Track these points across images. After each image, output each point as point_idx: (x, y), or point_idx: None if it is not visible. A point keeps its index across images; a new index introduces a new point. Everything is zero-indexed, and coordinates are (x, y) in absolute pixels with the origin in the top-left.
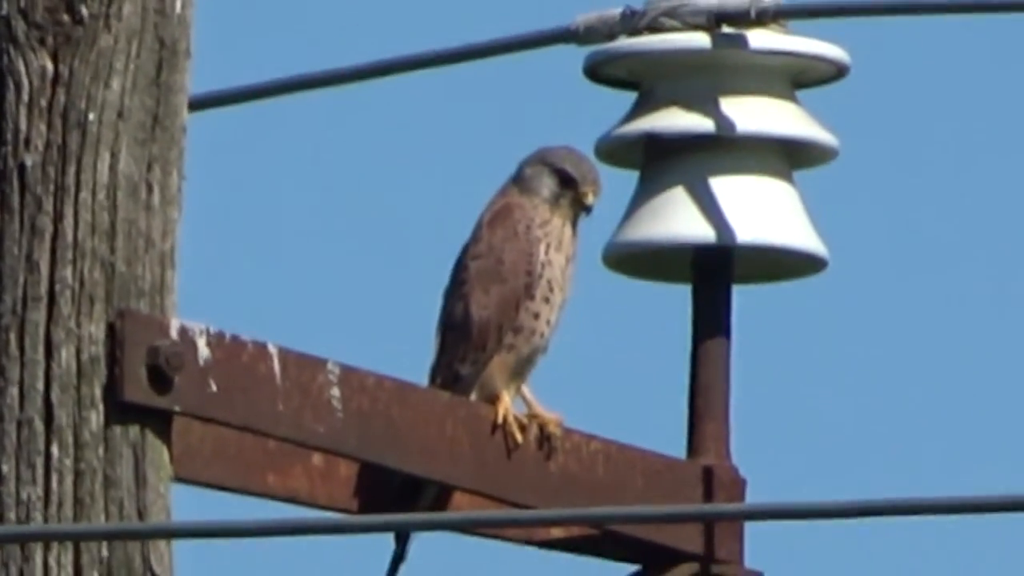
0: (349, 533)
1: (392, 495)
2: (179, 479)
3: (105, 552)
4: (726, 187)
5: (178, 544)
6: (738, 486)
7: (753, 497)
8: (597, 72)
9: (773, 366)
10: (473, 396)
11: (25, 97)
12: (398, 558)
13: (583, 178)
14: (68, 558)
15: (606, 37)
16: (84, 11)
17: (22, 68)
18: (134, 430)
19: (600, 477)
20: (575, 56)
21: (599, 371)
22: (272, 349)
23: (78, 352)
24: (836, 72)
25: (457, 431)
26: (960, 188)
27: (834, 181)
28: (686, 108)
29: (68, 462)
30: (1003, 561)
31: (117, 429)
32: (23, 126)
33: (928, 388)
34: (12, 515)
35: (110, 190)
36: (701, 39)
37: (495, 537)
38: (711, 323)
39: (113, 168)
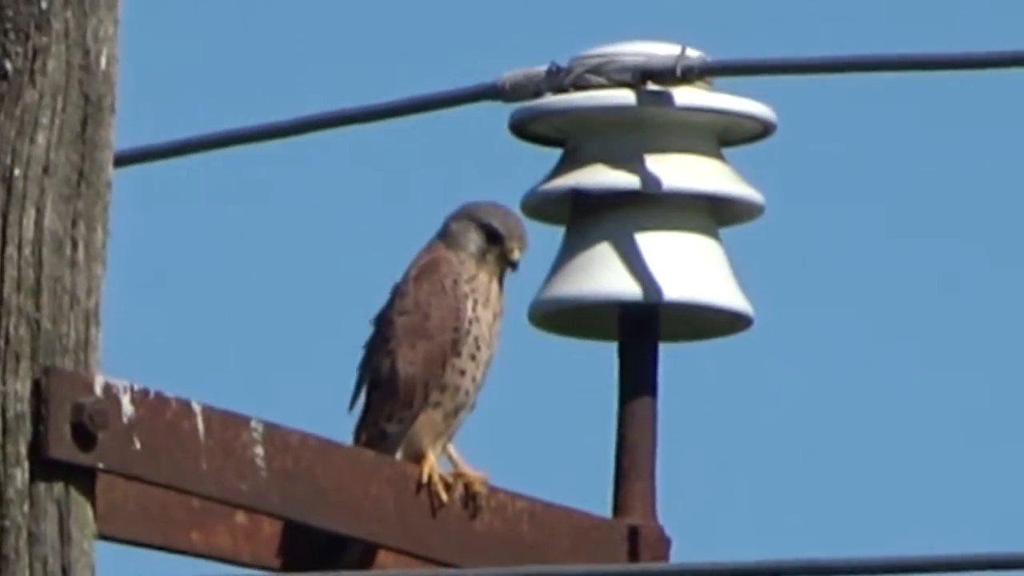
0: None
1: (316, 553)
2: (103, 536)
3: None
4: (652, 244)
5: None
6: (663, 545)
7: (678, 556)
8: (523, 128)
9: (699, 424)
10: (399, 454)
11: None
12: None
13: (509, 233)
14: None
15: (532, 94)
16: (8, 66)
17: None
18: (59, 487)
19: (525, 536)
20: (501, 113)
21: (525, 429)
22: (196, 407)
23: (3, 410)
24: (762, 129)
25: (382, 490)
26: (886, 246)
27: (760, 238)
28: (612, 165)
29: None
30: None
31: (42, 486)
32: None
33: (853, 447)
34: None
35: (35, 246)
36: (627, 96)
37: None
38: (637, 381)
39: (39, 224)
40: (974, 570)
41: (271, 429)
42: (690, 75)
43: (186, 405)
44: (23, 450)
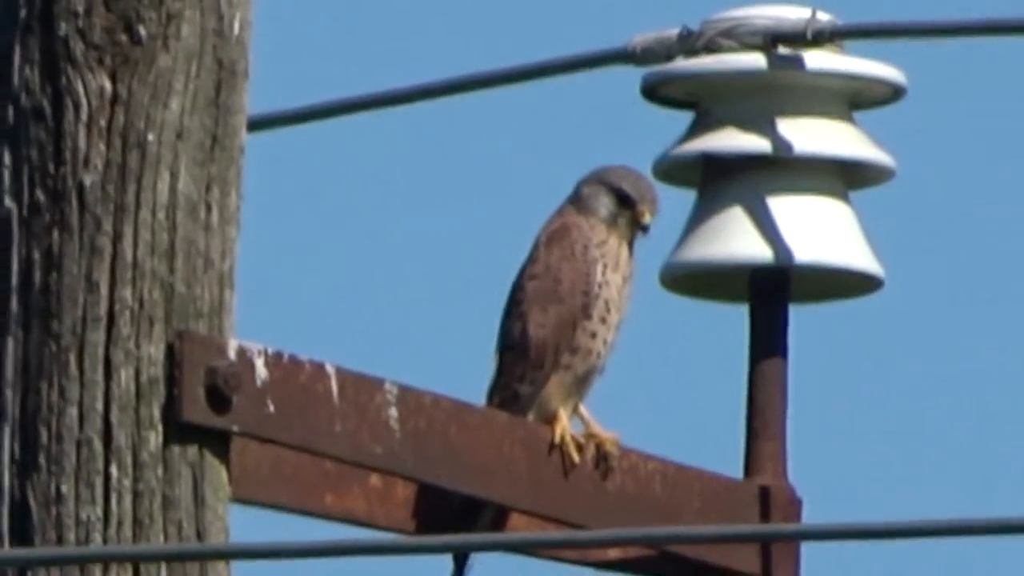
0: (407, 554)
1: (450, 516)
2: (237, 500)
3: (164, 573)
4: (783, 207)
5: (237, 565)
6: (795, 506)
7: (809, 517)
8: (654, 92)
9: (830, 386)
10: (530, 416)
11: (84, 117)
12: None
13: (641, 198)
14: None
15: (663, 57)
16: (143, 31)
17: (81, 88)
18: (193, 451)
19: (657, 497)
20: (632, 76)
21: (656, 391)
22: (330, 369)
23: (137, 373)
24: (893, 93)
25: (514, 451)
26: (1017, 210)
27: (890, 201)
28: (743, 129)
29: (127, 483)
30: None
31: (176, 449)
32: (82, 145)
33: (984, 407)
34: (71, 536)
35: (169, 210)
36: (757, 60)
37: (552, 558)
38: (768, 343)
39: (172, 188)
40: None
41: (405, 391)
42: (820, 38)
43: (320, 368)
44: (157, 414)
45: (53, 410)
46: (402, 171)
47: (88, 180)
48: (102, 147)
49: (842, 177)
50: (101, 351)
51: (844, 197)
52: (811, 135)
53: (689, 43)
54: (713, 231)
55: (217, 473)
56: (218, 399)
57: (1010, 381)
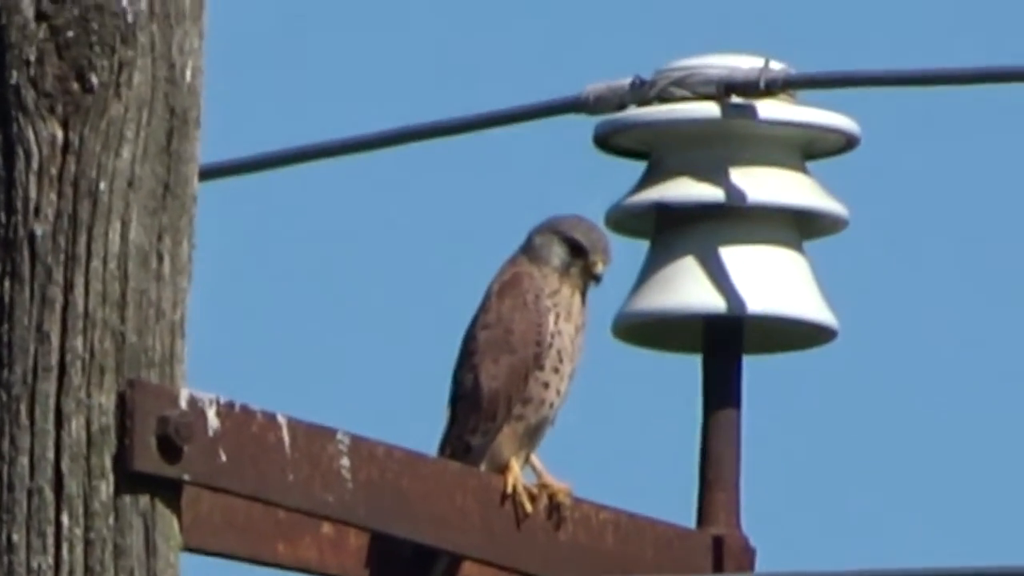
0: None
1: (403, 565)
2: (189, 549)
3: None
4: (736, 257)
5: None
6: (748, 555)
7: (763, 566)
8: (607, 142)
9: (783, 436)
10: (483, 466)
11: (35, 165)
12: None
13: (593, 247)
14: None
15: (616, 107)
16: (94, 79)
17: (32, 136)
18: (144, 500)
19: (610, 547)
20: (585, 126)
21: (609, 441)
22: (281, 419)
23: (88, 422)
24: (846, 143)
25: (467, 501)
26: (970, 259)
27: (844, 251)
28: (696, 178)
29: (78, 531)
30: None
31: (127, 499)
32: (33, 194)
33: (939, 458)
34: None
35: (121, 260)
36: (711, 109)
37: None
38: (721, 393)
39: (124, 237)
40: None
41: (357, 441)
42: (774, 88)
43: (272, 418)
44: (108, 463)
45: (4, 459)
46: (357, 220)
47: (39, 230)
48: (53, 196)
49: (795, 226)
50: (52, 400)
51: (797, 247)
52: (764, 184)
53: (642, 92)
54: (666, 281)
55: (168, 522)
56: (169, 448)
57: (965, 431)
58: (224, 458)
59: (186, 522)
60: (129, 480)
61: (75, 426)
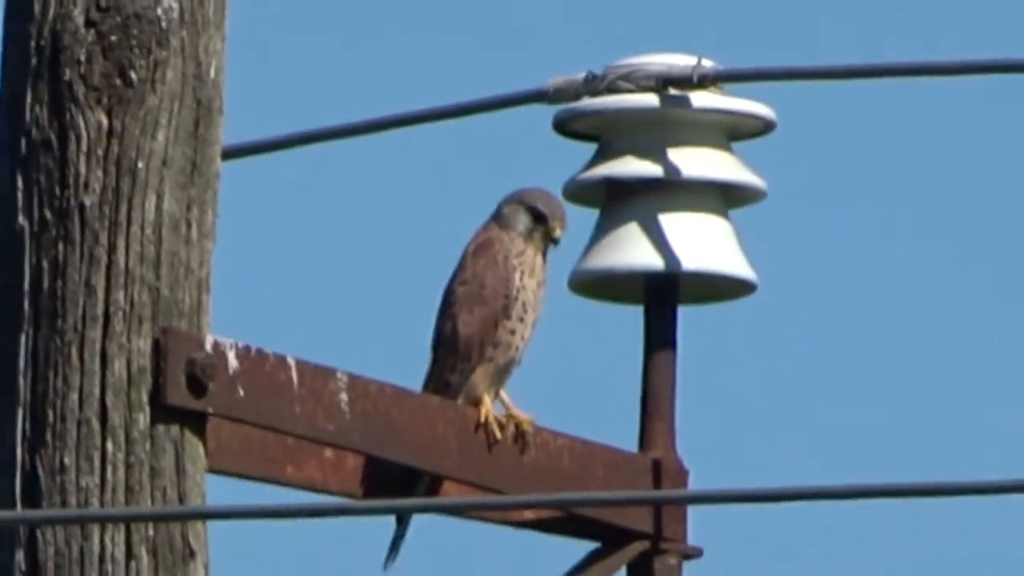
0: (357, 515)
1: (392, 483)
2: (212, 471)
3: (152, 532)
4: (672, 223)
5: (212, 524)
6: (682, 475)
7: (695, 484)
8: (564, 127)
9: (712, 375)
10: (460, 400)
11: (84, 148)
12: (399, 537)
13: (552, 215)
14: (120, 537)
15: (572, 97)
16: (134, 76)
17: (82, 123)
18: (175, 429)
19: (566, 468)
20: (545, 114)
21: (565, 378)
22: (291, 360)
23: (128, 363)
24: (764, 127)
25: (446, 429)
26: (871, 225)
27: (763, 218)
28: (639, 157)
29: (120, 456)
30: (895, 540)
31: (161, 428)
32: (83, 172)
33: (839, 389)
34: (73, 500)
35: (156, 226)
36: (651, 99)
37: (478, 519)
38: (660, 338)
39: (159, 207)
40: (949, 495)
41: (354, 379)
42: (705, 81)
43: (282, 359)
44: (145, 398)
45: (58, 395)
46: (356, 194)
47: (88, 201)
48: (99, 173)
49: (722, 197)
50: (98, 345)
51: (724, 214)
52: (696, 162)
53: (594, 85)
54: (613, 243)
55: (196, 448)
56: (196, 386)
57: (860, 368)
58: (242, 393)
59: (210, 448)
60: (163, 412)
61: (117, 367)
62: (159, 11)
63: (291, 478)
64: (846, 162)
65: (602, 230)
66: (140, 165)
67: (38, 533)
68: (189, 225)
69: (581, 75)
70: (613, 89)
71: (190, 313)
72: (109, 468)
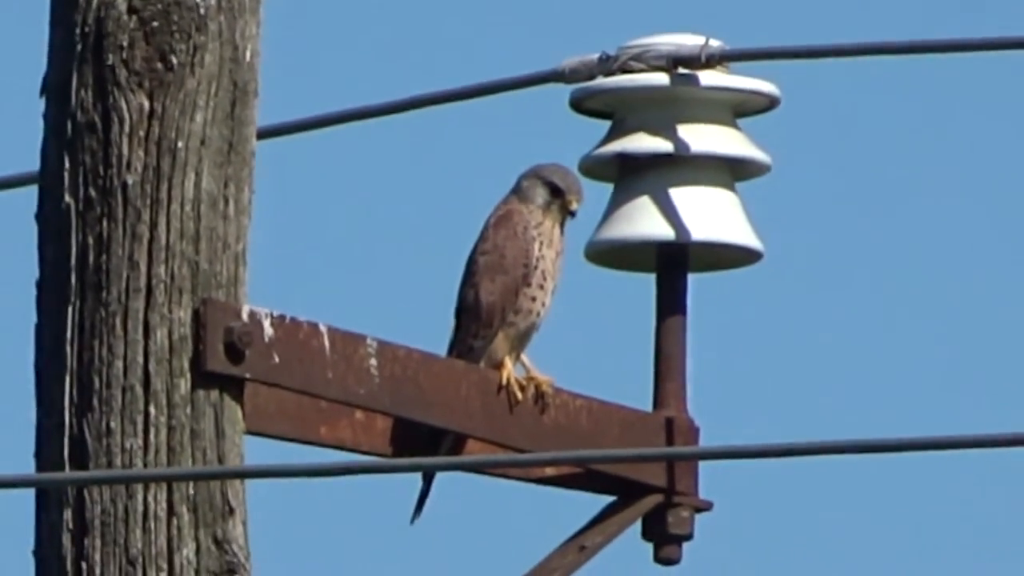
0: (386, 473)
1: (419, 443)
2: (250, 432)
3: (192, 491)
4: (682, 195)
5: (250, 483)
6: (694, 433)
7: (706, 441)
8: (579, 105)
9: (721, 338)
10: (482, 364)
11: (127, 129)
12: (424, 493)
13: (569, 189)
14: (163, 496)
15: (587, 77)
16: (174, 60)
17: (124, 106)
18: (214, 393)
19: (584, 427)
20: (562, 93)
21: (583, 342)
22: (323, 328)
23: (170, 332)
24: (769, 103)
25: (470, 392)
26: (871, 197)
27: (768, 191)
28: (650, 133)
29: (163, 419)
30: (901, 492)
31: (201, 393)
32: (125, 152)
33: (838, 351)
34: (118, 461)
35: (195, 203)
36: (662, 78)
37: (500, 476)
38: (671, 304)
39: (197, 185)
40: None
41: (383, 345)
42: (712, 61)
43: (315, 327)
44: (186, 364)
45: (104, 362)
46: (385, 171)
47: (130, 180)
48: (141, 153)
49: (729, 171)
50: (141, 315)
51: (731, 187)
52: (704, 138)
53: (607, 65)
54: (627, 215)
55: (234, 411)
56: (234, 352)
57: (861, 333)
58: (277, 360)
59: (247, 411)
60: (202, 378)
61: (160, 336)
62: None
63: (324, 439)
64: (847, 137)
65: (616, 203)
66: (180, 145)
67: (85, 493)
68: (226, 202)
69: (595, 56)
70: (625, 69)
71: (228, 285)
72: (152, 431)
